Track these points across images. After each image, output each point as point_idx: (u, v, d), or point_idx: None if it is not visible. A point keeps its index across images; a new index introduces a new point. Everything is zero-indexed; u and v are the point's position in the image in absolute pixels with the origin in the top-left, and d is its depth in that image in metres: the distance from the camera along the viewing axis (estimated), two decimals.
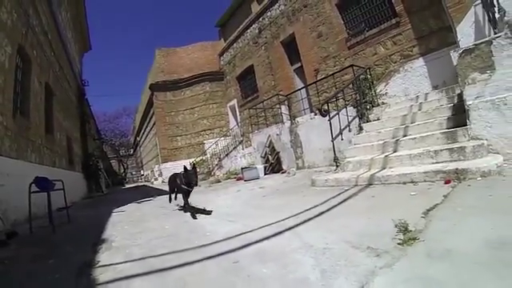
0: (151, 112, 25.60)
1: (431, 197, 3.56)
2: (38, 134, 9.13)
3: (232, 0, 18.40)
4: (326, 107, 7.60)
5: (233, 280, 2.18)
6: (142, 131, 34.34)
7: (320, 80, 11.55)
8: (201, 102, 21.75)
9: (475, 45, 4.77)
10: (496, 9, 4.83)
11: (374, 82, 9.80)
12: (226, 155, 17.21)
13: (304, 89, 12.60)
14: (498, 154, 4.48)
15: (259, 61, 16.64)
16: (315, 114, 10.14)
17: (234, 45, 19.14)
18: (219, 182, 13.48)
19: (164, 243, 3.48)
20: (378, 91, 9.51)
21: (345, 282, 1.87)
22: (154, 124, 25.11)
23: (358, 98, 8.78)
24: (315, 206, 4.21)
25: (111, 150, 47.27)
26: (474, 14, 6.23)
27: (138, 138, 39.20)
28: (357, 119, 8.27)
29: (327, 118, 7.38)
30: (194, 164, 6.20)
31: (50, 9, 11.73)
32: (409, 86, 9.02)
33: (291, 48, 14.35)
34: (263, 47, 16.22)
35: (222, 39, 20.73)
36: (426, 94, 7.61)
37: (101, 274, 2.65)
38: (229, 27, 19.72)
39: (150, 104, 25.33)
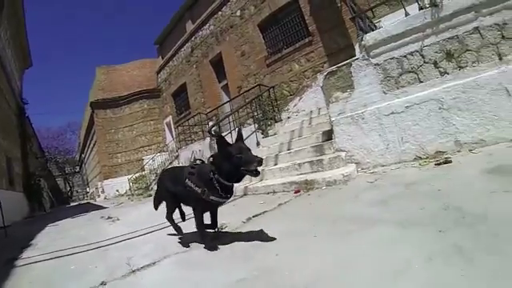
0: (93, 129, 24.90)
1: (271, 205, 3.92)
2: None
3: (170, 18, 18.45)
4: (216, 128, 7.81)
5: (94, 258, 3.15)
6: (87, 148, 33.19)
7: (234, 98, 11.84)
8: (139, 119, 21.50)
9: (338, 67, 5.12)
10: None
11: (288, 98, 10.17)
12: None
13: (230, 106, 12.74)
14: (358, 163, 4.83)
15: (191, 79, 16.75)
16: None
17: (170, 63, 19.11)
18: (151, 195, 13.45)
19: (73, 243, 4.17)
20: (292, 105, 9.84)
21: (152, 254, 2.84)
22: (96, 141, 24.44)
23: (258, 114, 9.03)
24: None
25: (56, 167, 45.09)
26: None
27: (83, 155, 37.77)
28: (256, 135, 8.44)
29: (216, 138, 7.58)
30: (239, 129, 3.05)
31: None
32: (320, 99, 9.36)
33: (219, 66, 14.62)
34: (195, 65, 16.36)
35: (160, 57, 20.60)
36: (319, 108, 7.97)
37: (20, 262, 3.52)
38: (166, 45, 19.64)
39: (91, 121, 24.64)
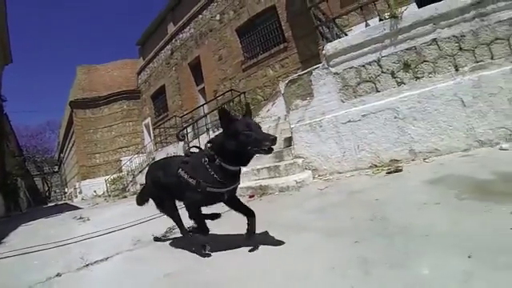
0: (72, 129, 24.49)
1: (223, 209, 3.92)
2: None
3: (152, 20, 18.35)
4: (184, 133, 7.79)
5: (57, 255, 3.42)
6: (66, 147, 32.60)
7: (208, 102, 11.86)
8: (118, 120, 21.24)
9: (299, 75, 5.17)
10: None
11: (262, 103, 10.18)
12: (140, 172, 16.82)
13: (203, 110, 12.69)
14: (315, 170, 4.87)
15: (170, 81, 16.68)
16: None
17: (150, 64, 18.97)
18: (126, 197, 13.63)
19: (41, 241, 4.31)
20: (265, 110, 9.82)
21: (107, 250, 3.11)
22: (74, 141, 24.05)
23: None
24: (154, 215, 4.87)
25: (35, 167, 44.03)
26: None
27: (62, 155, 37.04)
28: None
29: (184, 141, 7.58)
30: (247, 103, 2.96)
31: None
32: None
33: (197, 70, 14.60)
34: (174, 68, 16.29)
35: (142, 58, 20.41)
36: (286, 114, 7.98)
37: None
38: (148, 46, 19.49)
39: (70, 121, 24.22)
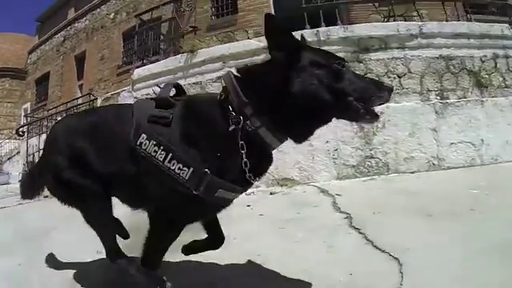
0: None
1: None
2: None
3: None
4: (23, 129, 7.95)
5: None
6: None
7: (70, 101, 11.83)
8: None
9: (112, 94, 5.68)
10: None
11: None
12: (9, 159, 15.95)
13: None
14: None
15: (55, 69, 16.23)
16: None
17: (43, 46, 18.09)
18: None
19: None
20: None
21: None
22: None
23: None
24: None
25: None
26: None
27: None
28: None
29: (24, 137, 7.73)
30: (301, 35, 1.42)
31: None
32: None
33: (81, 64, 14.49)
34: (62, 57, 15.93)
35: (38, 36, 19.29)
36: None
37: None
38: (47, 26, 18.48)
39: None
